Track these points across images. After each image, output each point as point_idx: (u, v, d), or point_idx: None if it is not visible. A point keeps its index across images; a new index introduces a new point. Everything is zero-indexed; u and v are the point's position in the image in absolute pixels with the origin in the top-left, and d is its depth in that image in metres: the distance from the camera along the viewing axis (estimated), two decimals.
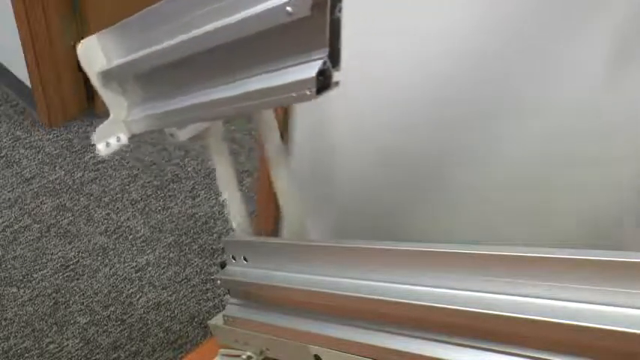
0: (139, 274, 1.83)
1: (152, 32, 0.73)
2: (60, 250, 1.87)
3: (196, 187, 2.06)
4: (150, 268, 1.84)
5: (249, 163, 2.12)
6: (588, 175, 1.03)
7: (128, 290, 1.79)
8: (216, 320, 0.88)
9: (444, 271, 0.56)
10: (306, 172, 1.48)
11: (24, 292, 1.76)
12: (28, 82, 2.18)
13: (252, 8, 0.58)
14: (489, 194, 1.17)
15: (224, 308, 0.86)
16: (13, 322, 1.70)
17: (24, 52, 2.08)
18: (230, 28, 0.61)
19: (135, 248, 1.89)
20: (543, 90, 1.00)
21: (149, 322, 1.72)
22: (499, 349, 0.53)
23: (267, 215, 1.58)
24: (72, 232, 1.91)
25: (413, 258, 0.59)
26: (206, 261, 1.87)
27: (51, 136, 2.17)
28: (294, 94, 0.59)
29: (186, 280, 1.82)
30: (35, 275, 1.80)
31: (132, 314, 1.74)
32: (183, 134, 0.84)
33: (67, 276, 1.81)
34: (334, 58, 0.57)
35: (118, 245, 1.89)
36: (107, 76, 0.84)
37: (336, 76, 0.56)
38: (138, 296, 1.78)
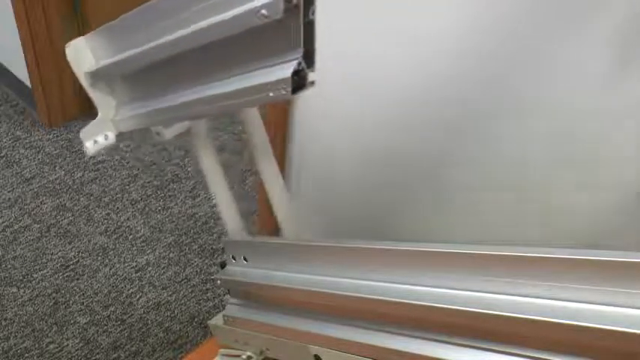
0: (139, 274, 1.83)
1: (137, 34, 0.76)
2: (60, 250, 1.87)
3: (196, 187, 2.06)
4: (150, 268, 1.84)
5: (249, 163, 2.13)
6: (588, 175, 1.03)
7: (128, 290, 1.79)
8: (216, 320, 0.88)
9: (444, 271, 0.56)
10: (305, 173, 1.49)
11: (24, 292, 1.76)
12: (28, 82, 2.18)
13: (230, 11, 0.60)
14: (485, 194, 1.17)
15: (224, 308, 0.86)
16: (13, 322, 1.70)
17: (24, 52, 2.08)
18: (209, 29, 0.64)
19: (135, 248, 1.89)
20: (541, 90, 1.00)
21: (149, 322, 1.73)
22: (499, 349, 0.53)
23: (268, 215, 1.58)
24: (72, 232, 1.91)
25: (413, 258, 0.59)
26: (206, 261, 1.87)
27: (51, 136, 2.17)
28: (271, 94, 0.61)
29: (186, 280, 1.82)
30: (35, 275, 1.80)
31: (132, 314, 1.74)
32: (169, 133, 0.86)
33: (67, 276, 1.81)
34: (309, 58, 0.59)
35: (118, 245, 1.89)
36: (95, 76, 0.86)
37: (312, 76, 0.59)
38: (138, 296, 1.78)
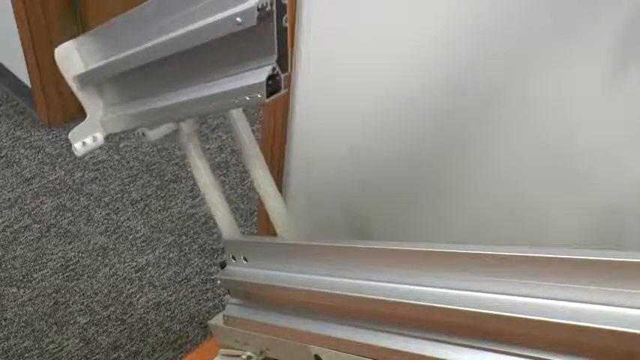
0: (139, 274, 1.83)
1: (123, 38, 0.80)
2: (60, 250, 1.87)
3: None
4: (150, 268, 1.84)
5: None
6: (587, 175, 1.03)
7: (128, 290, 1.79)
8: (216, 320, 0.88)
9: (444, 271, 0.56)
10: (303, 174, 1.49)
11: (24, 292, 1.76)
12: (28, 82, 2.18)
13: (208, 18, 0.64)
14: (480, 196, 1.17)
15: (224, 308, 0.86)
16: (13, 322, 1.70)
17: (24, 52, 2.08)
18: (189, 35, 0.67)
19: (135, 248, 1.89)
20: (540, 90, 1.00)
21: (149, 322, 1.73)
22: (499, 349, 0.53)
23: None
24: (72, 232, 1.91)
25: (413, 258, 0.59)
26: (206, 261, 1.87)
27: (51, 136, 2.17)
28: (247, 98, 0.64)
29: (186, 280, 1.82)
30: (35, 275, 1.80)
31: (132, 314, 1.74)
32: (154, 134, 0.89)
33: (67, 276, 1.81)
34: (282, 63, 0.62)
35: (118, 245, 1.89)
36: (84, 79, 0.89)
37: (285, 80, 0.62)
38: (138, 296, 1.78)
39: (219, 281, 0.84)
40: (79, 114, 0.94)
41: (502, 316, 0.50)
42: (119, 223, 1.95)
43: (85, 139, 0.91)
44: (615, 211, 1.03)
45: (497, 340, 0.53)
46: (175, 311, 1.75)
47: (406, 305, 0.58)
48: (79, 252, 1.87)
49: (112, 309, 1.74)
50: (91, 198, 2.01)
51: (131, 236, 1.92)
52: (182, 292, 1.79)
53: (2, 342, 1.66)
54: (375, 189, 1.36)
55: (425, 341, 0.59)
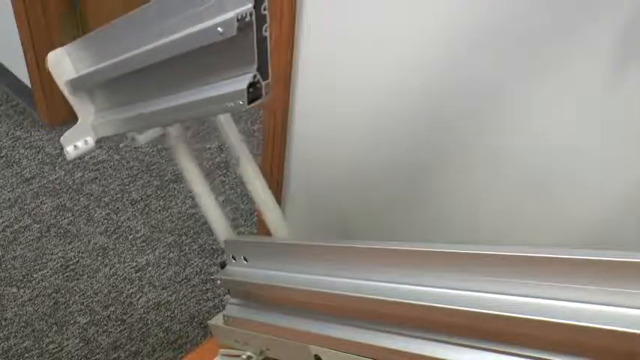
0: (139, 274, 1.83)
1: (112, 45, 0.83)
2: (60, 250, 1.87)
3: None
4: (150, 268, 1.84)
5: None
6: (587, 175, 1.03)
7: (128, 290, 1.79)
8: (216, 320, 0.88)
9: (444, 271, 0.56)
10: (302, 175, 1.49)
11: (24, 292, 1.76)
12: (28, 82, 2.18)
13: (191, 27, 0.67)
14: (485, 195, 1.17)
15: (224, 308, 0.86)
16: (13, 322, 1.70)
17: (24, 52, 2.08)
18: (173, 44, 0.70)
19: (135, 248, 1.89)
20: (540, 90, 1.00)
21: (149, 322, 1.73)
22: (499, 349, 0.53)
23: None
24: (72, 232, 1.91)
25: (413, 258, 0.59)
26: (206, 261, 1.87)
27: (51, 136, 2.17)
28: (230, 104, 0.66)
29: (186, 280, 1.82)
30: (35, 275, 1.80)
31: (132, 314, 1.74)
32: (143, 138, 0.93)
33: (67, 276, 1.81)
34: (263, 71, 0.64)
35: (118, 245, 1.89)
36: (75, 84, 0.92)
37: (266, 87, 0.64)
38: (138, 296, 1.78)
39: (219, 281, 0.84)
40: None
41: (502, 316, 0.50)
42: (119, 223, 1.95)
43: (77, 143, 0.94)
44: (615, 211, 1.03)
45: (497, 340, 0.53)
46: (175, 311, 1.75)
47: (406, 305, 0.58)
48: (79, 252, 1.87)
49: (112, 309, 1.74)
50: (91, 198, 2.01)
51: (131, 236, 1.92)
52: (182, 292, 1.79)
53: (2, 342, 1.66)
54: (374, 190, 1.36)
55: (425, 341, 0.59)
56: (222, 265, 0.85)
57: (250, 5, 0.60)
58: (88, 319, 1.72)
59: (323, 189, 1.46)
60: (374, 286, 0.62)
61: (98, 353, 1.65)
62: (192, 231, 1.94)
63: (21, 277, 1.79)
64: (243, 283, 0.81)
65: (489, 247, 0.52)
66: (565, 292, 0.48)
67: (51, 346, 1.66)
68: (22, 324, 1.69)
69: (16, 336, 1.67)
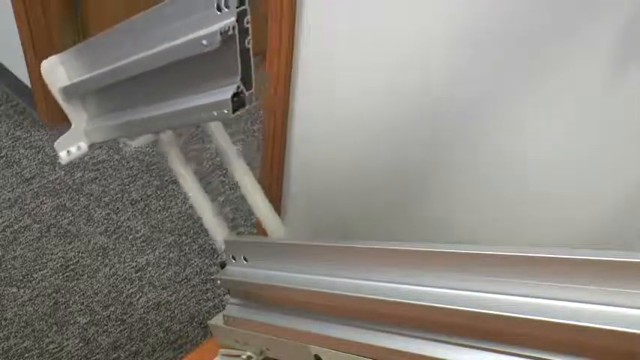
0: (139, 274, 1.83)
1: (104, 55, 0.86)
2: (60, 250, 1.87)
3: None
4: (150, 268, 1.84)
5: (249, 164, 2.12)
6: (587, 175, 1.03)
7: (128, 290, 1.79)
8: (216, 320, 0.88)
9: (444, 271, 0.56)
10: (301, 177, 1.49)
11: (24, 292, 1.76)
12: (28, 82, 2.18)
13: (177, 40, 0.70)
14: (481, 197, 1.17)
15: (224, 308, 0.86)
16: (13, 322, 1.70)
17: (24, 52, 2.08)
18: (160, 55, 0.73)
19: (135, 248, 1.89)
20: (540, 90, 1.00)
21: (149, 322, 1.73)
22: (499, 349, 0.53)
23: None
24: (72, 232, 1.91)
25: (413, 258, 0.59)
26: (206, 261, 1.87)
27: (51, 136, 2.17)
28: (215, 113, 0.69)
29: (186, 280, 1.82)
30: (35, 275, 1.80)
31: (132, 314, 1.74)
32: (134, 144, 0.96)
33: (67, 276, 1.81)
34: (246, 81, 0.67)
35: (118, 245, 1.89)
36: (68, 91, 0.95)
37: (249, 97, 0.68)
38: (138, 296, 1.78)
39: (219, 281, 0.84)
40: None
41: (502, 316, 0.50)
42: (119, 223, 1.95)
43: (70, 148, 0.97)
44: (615, 212, 1.03)
45: (497, 340, 0.53)
46: (175, 311, 1.75)
47: (406, 305, 0.58)
48: (79, 252, 1.87)
49: (112, 309, 1.74)
50: (91, 198, 2.01)
51: (131, 236, 1.92)
52: (182, 292, 1.79)
53: (2, 342, 1.66)
54: (374, 189, 1.36)
55: (425, 341, 0.59)
56: (222, 265, 0.85)
57: (233, 19, 0.63)
58: (88, 319, 1.72)
59: (323, 189, 1.46)
60: (374, 286, 0.62)
61: (98, 353, 1.65)
62: (192, 231, 1.94)
63: (21, 277, 1.79)
64: (243, 283, 0.81)
65: (489, 247, 0.52)
66: (565, 292, 0.48)
67: (51, 346, 1.66)
68: (22, 324, 1.69)
69: (16, 336, 1.67)
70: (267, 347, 0.82)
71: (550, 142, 1.04)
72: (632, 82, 0.90)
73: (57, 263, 1.83)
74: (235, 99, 0.67)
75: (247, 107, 0.68)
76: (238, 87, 0.66)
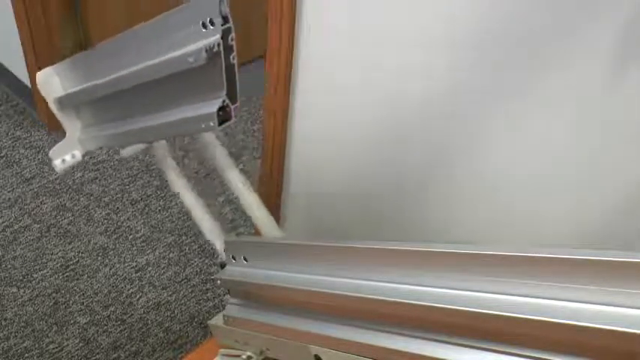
0: (139, 274, 1.83)
1: (97, 68, 0.89)
2: (60, 250, 1.87)
3: (196, 187, 2.06)
4: (150, 268, 1.84)
5: (249, 164, 2.13)
6: (587, 175, 1.03)
7: (128, 290, 1.79)
8: (216, 320, 0.88)
9: (444, 271, 0.56)
10: (301, 179, 1.49)
11: (24, 292, 1.76)
12: (28, 82, 2.18)
13: (165, 55, 0.73)
14: (482, 196, 1.17)
15: (224, 308, 0.86)
16: (13, 322, 1.70)
17: (24, 52, 2.08)
18: (149, 69, 0.76)
19: (135, 248, 1.89)
20: (540, 90, 1.00)
21: (149, 322, 1.73)
22: (499, 349, 0.53)
23: None
24: (72, 232, 1.92)
25: (413, 258, 0.59)
26: (206, 261, 1.87)
27: (51, 137, 2.17)
28: (202, 125, 0.72)
29: (186, 280, 1.82)
30: (35, 275, 1.80)
31: (132, 314, 1.74)
32: (125, 152, 0.99)
33: (67, 276, 1.81)
34: (232, 96, 0.69)
35: (118, 245, 1.89)
36: (63, 101, 0.99)
37: (234, 110, 0.70)
38: (138, 296, 1.78)
39: (219, 281, 0.84)
40: None
41: (502, 316, 0.50)
42: (119, 223, 1.95)
43: (65, 157, 1.01)
44: (615, 212, 1.03)
45: (497, 340, 0.53)
46: (175, 311, 1.75)
47: (406, 305, 0.58)
48: (79, 252, 1.87)
49: (112, 309, 1.74)
50: (91, 198, 2.01)
51: (131, 236, 1.92)
52: (182, 292, 1.79)
53: (2, 342, 1.66)
54: (374, 189, 1.36)
55: (425, 341, 0.59)
56: (222, 265, 0.85)
57: (218, 36, 0.65)
58: (88, 319, 1.72)
59: (323, 189, 1.46)
60: (374, 286, 0.62)
61: (98, 353, 1.65)
62: (192, 231, 1.94)
63: (21, 277, 1.79)
64: (243, 283, 0.81)
65: (489, 247, 0.52)
66: (565, 292, 0.48)
67: (51, 346, 1.66)
68: (22, 324, 1.69)
69: (16, 336, 1.67)
70: (267, 347, 0.82)
71: (550, 142, 1.04)
72: (632, 82, 0.90)
73: (57, 263, 1.83)
74: (221, 113, 0.69)
75: (232, 121, 0.71)
76: (224, 101, 0.69)
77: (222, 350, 0.90)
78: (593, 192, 1.04)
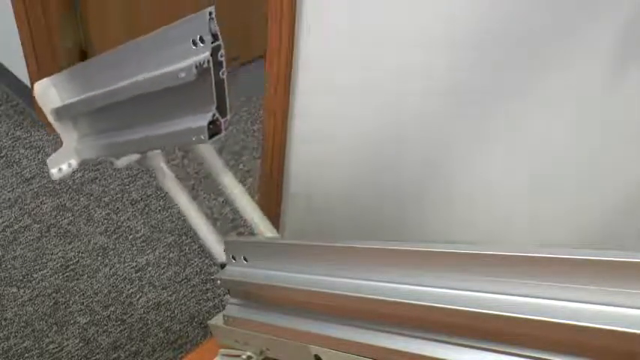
0: (139, 274, 1.83)
1: (94, 80, 0.92)
2: (60, 250, 1.87)
3: (196, 187, 2.06)
4: (150, 268, 1.84)
5: (249, 164, 2.13)
6: (588, 175, 1.03)
7: (128, 290, 1.79)
8: (216, 320, 0.88)
9: (444, 271, 0.56)
10: (300, 181, 1.49)
11: (24, 292, 1.76)
12: (28, 82, 2.18)
13: (157, 70, 0.76)
14: (483, 197, 1.17)
15: (224, 308, 0.86)
16: (13, 322, 1.70)
17: (24, 52, 2.08)
18: (142, 83, 0.79)
19: (135, 248, 1.89)
20: (540, 90, 1.00)
21: (149, 322, 1.73)
22: (499, 349, 0.53)
23: (267, 216, 1.58)
24: (72, 232, 1.92)
25: (413, 258, 0.59)
26: (206, 261, 1.87)
27: (51, 136, 2.17)
28: (193, 138, 0.75)
29: (186, 280, 1.82)
30: (35, 275, 1.80)
31: (132, 314, 1.74)
32: (120, 163, 1.02)
33: (67, 276, 1.81)
34: (222, 110, 0.72)
35: (118, 245, 1.89)
36: (60, 112, 1.01)
37: (224, 123, 0.73)
38: (138, 296, 1.78)
39: (219, 281, 0.84)
40: None
41: (502, 316, 0.50)
42: (119, 223, 1.95)
43: (61, 166, 1.04)
44: (615, 212, 1.03)
45: (497, 340, 0.53)
46: (175, 311, 1.75)
47: (406, 305, 0.58)
48: (79, 252, 1.87)
49: (112, 309, 1.74)
50: (91, 198, 2.01)
51: (131, 236, 1.92)
52: (182, 292, 1.79)
53: (2, 342, 1.66)
54: (374, 189, 1.36)
55: (425, 341, 0.59)
56: (222, 265, 0.85)
57: (207, 53, 0.68)
58: (88, 319, 1.72)
59: (323, 189, 1.46)
60: (374, 286, 0.62)
61: (98, 353, 1.65)
62: (192, 231, 1.93)
63: (21, 277, 1.79)
64: (243, 283, 0.81)
65: (489, 247, 0.52)
66: (565, 292, 0.48)
67: (51, 346, 1.66)
68: (22, 324, 1.69)
69: (16, 336, 1.67)
70: (267, 347, 0.82)
71: (550, 142, 1.04)
72: (632, 82, 0.90)
73: (57, 263, 1.83)
74: (211, 126, 0.72)
75: (223, 134, 0.73)
76: (214, 115, 0.71)
77: (222, 350, 0.90)
78: (593, 192, 1.04)
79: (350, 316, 0.67)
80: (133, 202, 2.01)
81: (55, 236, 1.90)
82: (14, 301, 1.74)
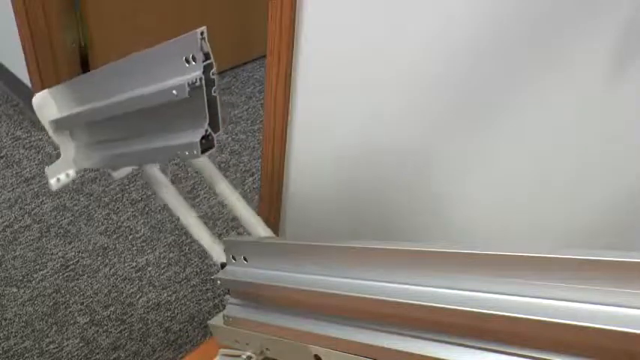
0: (139, 274, 1.83)
1: (91, 93, 0.94)
2: (60, 250, 1.87)
3: (196, 187, 2.06)
4: (150, 268, 1.84)
5: (249, 164, 2.13)
6: (588, 174, 1.03)
7: (128, 290, 1.79)
8: (216, 320, 0.88)
9: (444, 271, 0.56)
10: (300, 182, 1.49)
11: (24, 292, 1.76)
12: (28, 82, 2.18)
13: (151, 87, 0.78)
14: (482, 197, 1.17)
15: (224, 308, 0.86)
16: (13, 322, 1.70)
17: (24, 52, 2.08)
18: (137, 99, 0.81)
19: (135, 248, 1.89)
20: (540, 90, 1.00)
21: (149, 322, 1.73)
22: (499, 349, 0.53)
23: (267, 216, 1.58)
24: (72, 232, 1.92)
25: (413, 258, 0.59)
26: (206, 261, 1.87)
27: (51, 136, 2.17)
28: (186, 152, 0.77)
29: (186, 280, 1.82)
30: (35, 275, 1.80)
31: (132, 314, 1.74)
32: (117, 174, 1.05)
33: (67, 276, 1.81)
34: (214, 125, 0.74)
35: (118, 245, 1.89)
36: (58, 123, 1.03)
37: (217, 138, 0.75)
38: (138, 296, 1.78)
39: (219, 281, 0.84)
40: None
41: (502, 316, 0.50)
42: (119, 223, 1.95)
43: (59, 176, 1.07)
44: (616, 212, 1.03)
45: (497, 340, 0.53)
46: (175, 311, 1.75)
47: (406, 305, 0.58)
48: (79, 252, 1.87)
49: (112, 309, 1.74)
50: (91, 198, 2.01)
51: (131, 236, 1.92)
52: (182, 292, 1.79)
53: (2, 342, 1.66)
54: (374, 189, 1.36)
55: (425, 341, 0.59)
56: (222, 265, 0.85)
57: (199, 72, 0.69)
58: (88, 319, 1.72)
59: (323, 189, 1.46)
60: (374, 286, 0.62)
61: (98, 353, 1.65)
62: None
63: (21, 277, 1.79)
64: (243, 283, 0.81)
65: (489, 247, 0.52)
66: (565, 292, 0.48)
67: (51, 346, 1.66)
68: (22, 324, 1.69)
69: (16, 336, 1.67)
70: (267, 347, 0.82)
71: (550, 142, 1.04)
72: (632, 82, 0.90)
73: (57, 263, 1.83)
74: (204, 141, 0.74)
75: (215, 149, 0.75)
76: (206, 131, 0.73)
77: (222, 350, 0.89)
78: (592, 192, 1.04)
79: (350, 316, 0.67)
80: (133, 202, 2.01)
81: (55, 236, 1.90)
82: (14, 301, 1.74)
